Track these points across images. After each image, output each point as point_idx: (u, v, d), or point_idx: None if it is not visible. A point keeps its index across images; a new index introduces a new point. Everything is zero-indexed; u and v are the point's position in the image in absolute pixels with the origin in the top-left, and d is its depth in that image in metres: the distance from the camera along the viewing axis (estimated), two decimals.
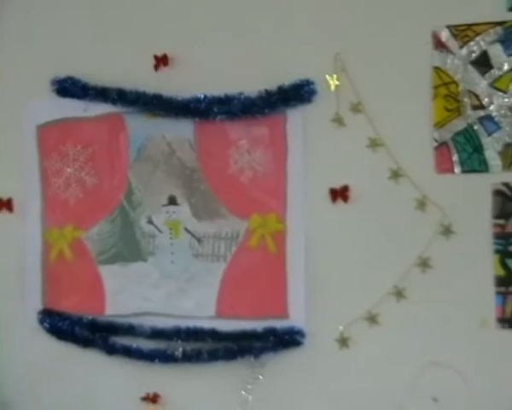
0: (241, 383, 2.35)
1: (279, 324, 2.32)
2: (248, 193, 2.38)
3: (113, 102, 2.49)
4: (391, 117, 2.21)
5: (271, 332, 2.31)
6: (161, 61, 2.47)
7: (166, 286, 2.47)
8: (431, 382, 2.16)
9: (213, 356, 2.37)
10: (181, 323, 2.42)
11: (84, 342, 2.53)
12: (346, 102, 2.25)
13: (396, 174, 2.20)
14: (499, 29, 2.13)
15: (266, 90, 2.31)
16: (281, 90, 2.31)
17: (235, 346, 2.35)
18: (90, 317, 2.53)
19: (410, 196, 2.19)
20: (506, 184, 2.12)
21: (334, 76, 2.25)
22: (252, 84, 2.32)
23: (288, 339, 2.30)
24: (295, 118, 2.33)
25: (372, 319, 2.22)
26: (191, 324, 2.41)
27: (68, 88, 2.55)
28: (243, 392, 2.35)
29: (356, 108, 2.24)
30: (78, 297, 2.58)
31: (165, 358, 2.42)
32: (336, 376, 2.27)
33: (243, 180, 2.38)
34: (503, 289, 2.13)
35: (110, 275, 2.54)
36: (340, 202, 2.26)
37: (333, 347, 2.26)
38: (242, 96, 2.34)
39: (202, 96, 2.38)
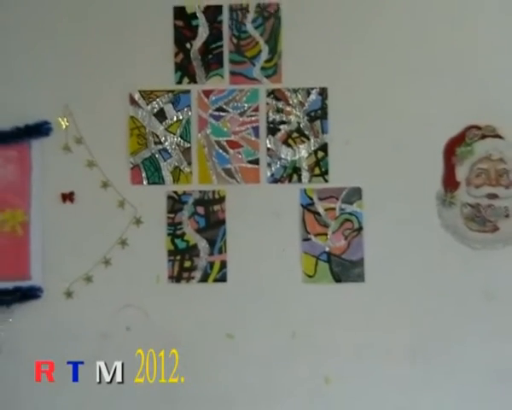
0: None
1: (24, 283, 3.20)
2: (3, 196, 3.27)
3: None
4: (102, 148, 3.30)
5: (18, 289, 3.19)
6: None
7: None
8: (126, 318, 3.27)
9: None
10: None
11: None
12: (73, 137, 3.29)
13: (105, 184, 3.28)
14: (171, 94, 3.35)
15: (17, 127, 3.24)
16: (27, 127, 3.23)
17: None
18: None
19: (114, 199, 3.28)
20: (175, 192, 3.33)
21: (65, 119, 3.29)
22: (5, 122, 3.26)
23: (30, 294, 3.20)
24: (37, 146, 3.26)
25: (88, 279, 3.25)
26: None
27: None
28: None
29: (79, 141, 3.28)
30: None
31: None
32: (66, 318, 3.27)
33: None
34: (172, 257, 3.30)
35: None
36: (68, 202, 3.27)
37: (62, 298, 3.26)
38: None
39: None
